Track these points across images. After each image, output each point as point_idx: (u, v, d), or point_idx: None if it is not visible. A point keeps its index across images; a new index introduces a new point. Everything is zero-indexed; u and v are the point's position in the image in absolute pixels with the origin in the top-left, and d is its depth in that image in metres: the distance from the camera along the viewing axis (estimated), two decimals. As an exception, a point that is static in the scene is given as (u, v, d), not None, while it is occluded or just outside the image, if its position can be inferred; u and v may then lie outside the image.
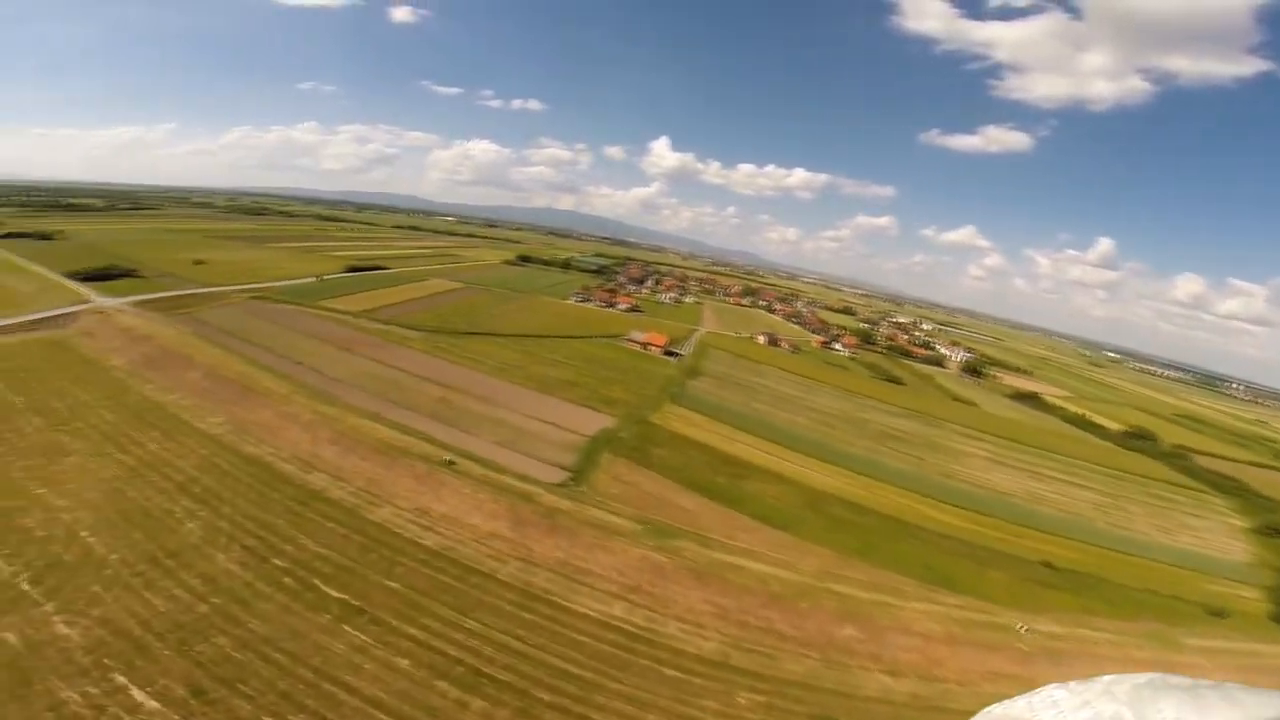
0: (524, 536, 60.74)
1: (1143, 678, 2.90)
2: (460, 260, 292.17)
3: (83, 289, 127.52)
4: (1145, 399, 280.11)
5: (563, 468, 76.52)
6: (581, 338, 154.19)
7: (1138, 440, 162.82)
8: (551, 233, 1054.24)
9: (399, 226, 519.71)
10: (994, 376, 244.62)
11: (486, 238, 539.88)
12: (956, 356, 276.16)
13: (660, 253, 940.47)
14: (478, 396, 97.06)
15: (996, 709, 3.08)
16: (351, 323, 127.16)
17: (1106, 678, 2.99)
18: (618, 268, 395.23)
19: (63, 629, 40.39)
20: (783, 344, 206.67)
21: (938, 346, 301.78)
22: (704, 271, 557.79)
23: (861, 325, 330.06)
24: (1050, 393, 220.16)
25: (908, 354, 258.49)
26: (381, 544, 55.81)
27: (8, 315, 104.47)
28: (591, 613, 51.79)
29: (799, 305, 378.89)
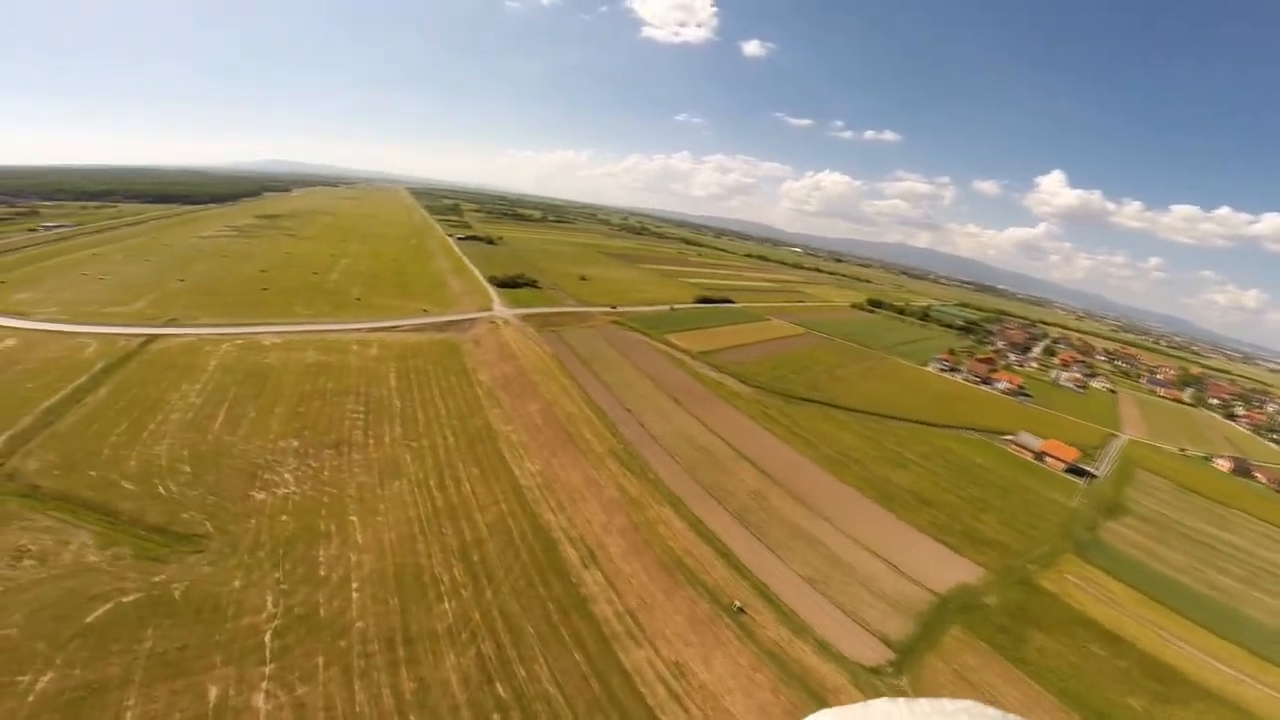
0: (786, 758, 40.94)
1: (962, 703, 3.19)
2: (804, 299, 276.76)
3: (493, 293, 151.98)
4: None
5: (886, 641, 52.98)
6: (945, 428, 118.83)
7: None
8: (904, 272, 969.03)
9: (749, 255, 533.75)
10: None
11: (833, 273, 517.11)
12: None
13: (1044, 307, 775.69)
14: (798, 496, 77.35)
15: (830, 711, 3.26)
16: (688, 365, 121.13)
17: (930, 700, 3.23)
18: (989, 324, 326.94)
19: (259, 701, 38.04)
20: (1259, 475, 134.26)
21: None
22: (1113, 340, 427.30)
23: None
24: None
25: None
26: (615, 705, 43.08)
27: (435, 313, 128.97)
28: None
29: (1273, 410, 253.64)
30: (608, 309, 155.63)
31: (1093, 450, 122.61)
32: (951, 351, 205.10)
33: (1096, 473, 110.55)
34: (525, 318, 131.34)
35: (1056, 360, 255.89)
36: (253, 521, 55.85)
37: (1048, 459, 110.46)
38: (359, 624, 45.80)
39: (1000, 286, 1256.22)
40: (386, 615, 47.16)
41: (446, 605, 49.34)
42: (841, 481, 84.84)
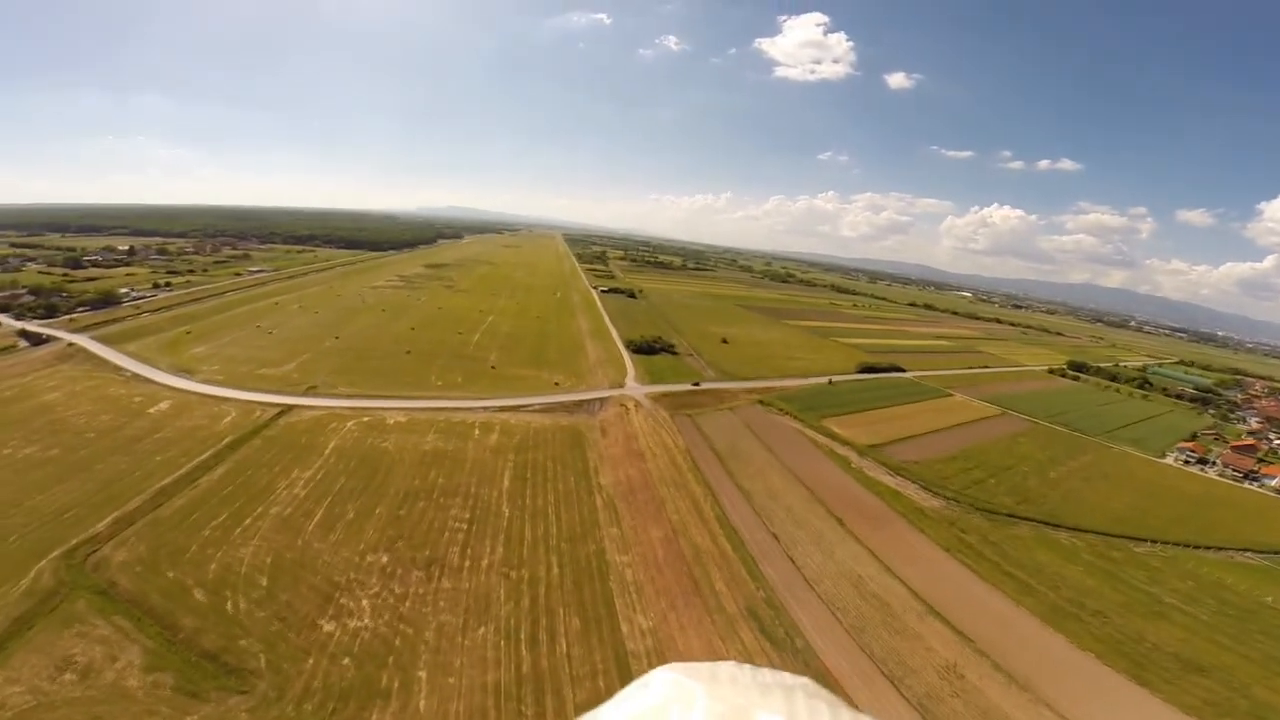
0: None
1: (800, 679, 3.21)
2: (987, 361, 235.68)
3: (629, 362, 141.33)
4: None
5: None
6: (1211, 549, 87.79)
7: None
8: (1098, 319, 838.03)
9: (912, 304, 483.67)
10: None
11: (1015, 324, 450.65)
12: None
13: None
14: (1010, 672, 55.26)
15: (679, 665, 3.25)
16: (854, 467, 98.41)
17: (772, 671, 3.29)
18: (1227, 390, 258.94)
19: None
20: None
21: None
22: None
23: None
24: None
25: None
26: None
27: (566, 388, 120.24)
28: None
29: None
30: (751, 385, 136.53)
31: None
32: (1194, 435, 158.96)
33: None
34: (658, 398, 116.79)
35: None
36: (311, 661, 47.43)
37: (1368, 595, 76.48)
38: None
39: (1220, 333, 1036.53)
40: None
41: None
42: (1073, 644, 61.34)
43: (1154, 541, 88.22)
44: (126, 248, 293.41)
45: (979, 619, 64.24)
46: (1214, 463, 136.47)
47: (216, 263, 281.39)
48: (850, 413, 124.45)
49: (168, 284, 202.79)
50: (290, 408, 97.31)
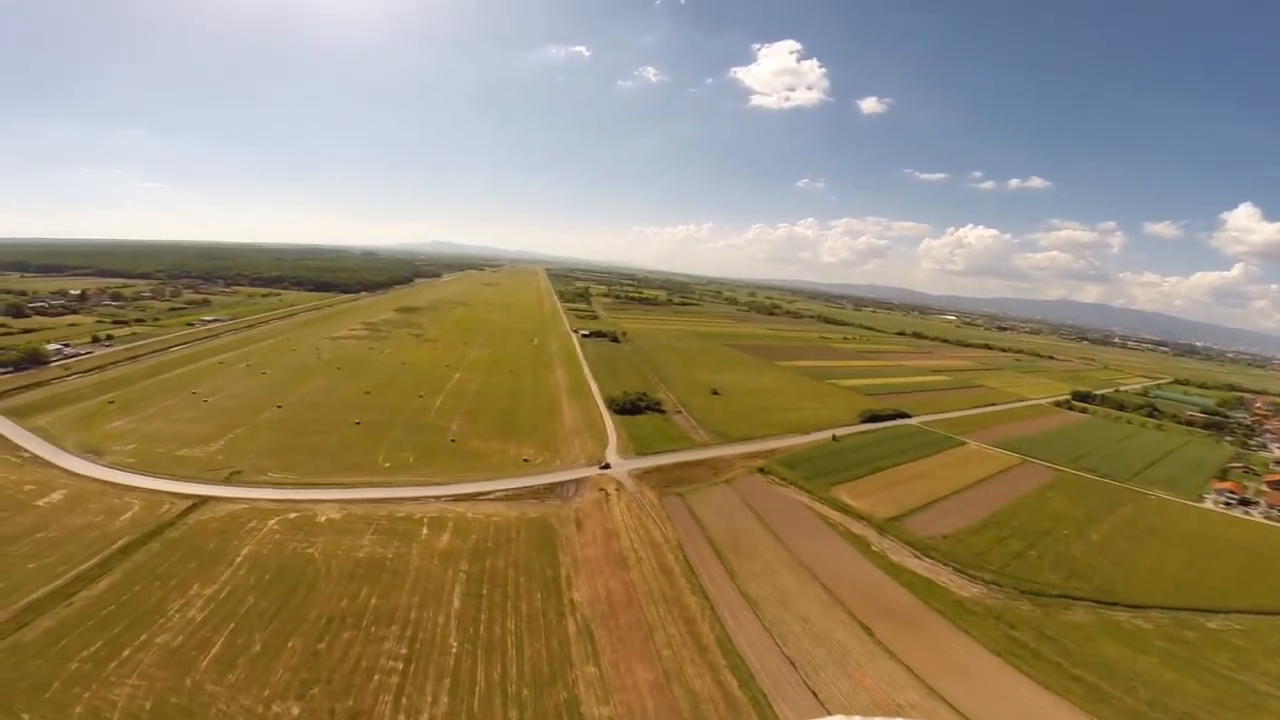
0: None
1: None
2: (991, 396, 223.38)
3: (610, 427, 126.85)
4: None
5: None
6: None
7: None
8: (1081, 336, 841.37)
9: (900, 333, 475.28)
10: None
11: (1005, 349, 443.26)
12: None
13: (1265, 369, 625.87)
14: None
15: None
16: (875, 550, 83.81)
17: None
18: (1231, 410, 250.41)
19: None
20: None
21: None
22: None
23: None
24: None
25: None
26: None
27: (536, 465, 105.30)
28: None
29: None
30: (748, 448, 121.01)
31: None
32: (1225, 472, 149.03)
33: None
34: (643, 475, 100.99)
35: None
36: None
37: None
38: None
39: (1199, 344, 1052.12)
40: None
41: None
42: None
43: (1226, 613, 77.44)
44: (78, 292, 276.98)
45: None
46: (1257, 503, 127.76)
47: (172, 309, 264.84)
48: (861, 476, 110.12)
49: (109, 337, 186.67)
50: (204, 500, 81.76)
